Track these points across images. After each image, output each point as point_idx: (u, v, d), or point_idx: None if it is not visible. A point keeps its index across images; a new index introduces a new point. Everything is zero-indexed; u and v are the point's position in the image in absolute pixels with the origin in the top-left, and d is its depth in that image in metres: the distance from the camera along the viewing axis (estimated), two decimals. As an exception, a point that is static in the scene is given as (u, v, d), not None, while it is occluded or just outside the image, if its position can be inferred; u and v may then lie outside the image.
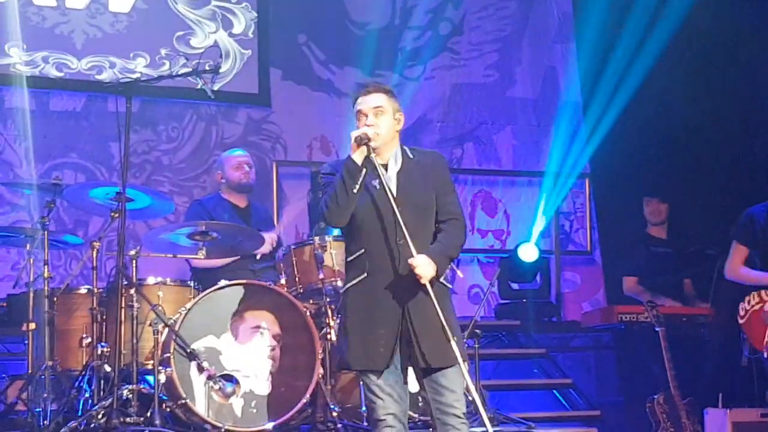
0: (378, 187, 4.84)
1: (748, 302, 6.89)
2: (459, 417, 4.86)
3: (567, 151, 9.45)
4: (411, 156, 4.98)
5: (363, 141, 4.79)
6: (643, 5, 8.75)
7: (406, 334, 4.81)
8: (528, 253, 8.92)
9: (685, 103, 8.71)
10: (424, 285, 4.75)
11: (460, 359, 4.77)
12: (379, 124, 4.85)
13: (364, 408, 6.27)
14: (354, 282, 4.87)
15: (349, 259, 4.91)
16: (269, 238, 6.96)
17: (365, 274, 4.84)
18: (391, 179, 4.87)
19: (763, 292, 6.82)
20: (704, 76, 8.64)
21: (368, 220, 4.84)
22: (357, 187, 4.76)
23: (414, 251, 4.74)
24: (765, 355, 6.77)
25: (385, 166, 4.88)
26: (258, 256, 6.89)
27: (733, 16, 8.40)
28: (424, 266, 4.74)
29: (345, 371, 6.18)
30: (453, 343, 4.77)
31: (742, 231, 6.90)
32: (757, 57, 8.41)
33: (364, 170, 4.77)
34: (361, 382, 4.96)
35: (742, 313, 6.93)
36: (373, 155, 4.80)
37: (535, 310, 8.80)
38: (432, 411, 4.93)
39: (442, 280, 4.88)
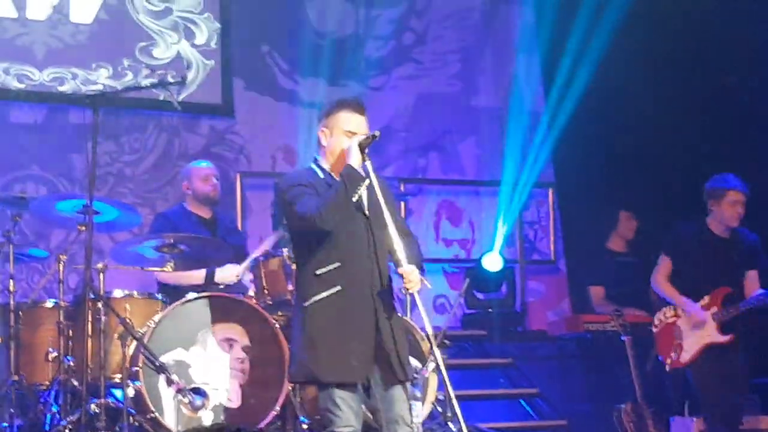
0: (359, 201, 4.87)
1: (664, 314, 7.16)
2: (408, 426, 4.90)
3: (528, 161, 9.47)
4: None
5: (368, 143, 4.84)
6: (607, 16, 8.80)
7: (379, 347, 4.83)
8: (492, 262, 8.93)
9: (649, 112, 8.76)
10: (409, 295, 4.88)
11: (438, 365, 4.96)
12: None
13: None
14: (325, 295, 4.83)
15: (319, 272, 4.85)
16: (236, 270, 6.84)
17: (339, 287, 4.83)
18: (363, 195, 4.91)
19: (679, 308, 7.06)
20: (668, 87, 8.70)
21: (346, 234, 4.85)
22: (357, 195, 4.80)
23: (404, 262, 4.80)
24: (668, 368, 7.06)
25: None
26: (222, 286, 6.80)
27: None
28: (416, 275, 4.82)
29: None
30: (437, 351, 4.94)
31: (667, 244, 7.15)
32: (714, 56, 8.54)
33: (367, 180, 4.81)
34: (321, 394, 4.89)
35: (656, 322, 7.22)
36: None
37: (501, 320, 8.81)
38: (381, 421, 4.93)
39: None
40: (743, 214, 6.99)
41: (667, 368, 7.02)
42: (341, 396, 4.81)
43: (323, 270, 4.85)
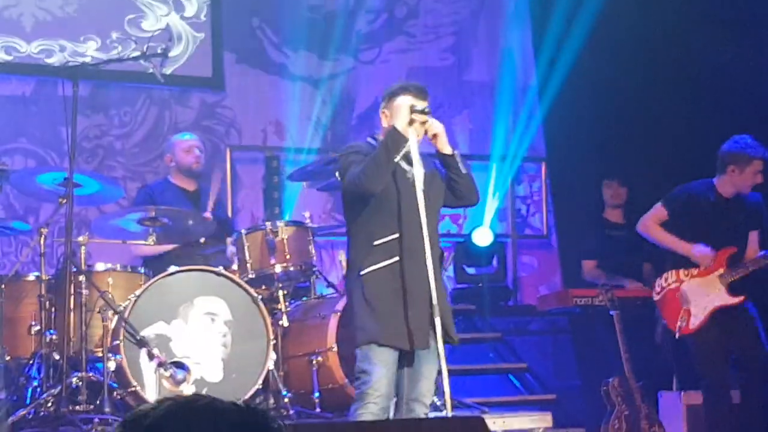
0: (411, 177, 5.06)
1: (665, 279, 6.95)
2: (426, 406, 5.05)
3: (520, 135, 9.42)
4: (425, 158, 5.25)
5: (421, 115, 5.05)
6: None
7: (432, 316, 4.96)
8: (482, 237, 8.89)
9: (640, 86, 8.70)
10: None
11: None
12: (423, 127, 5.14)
13: (317, 394, 6.26)
14: (384, 264, 5.01)
15: (377, 242, 5.04)
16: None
17: (398, 258, 5.00)
18: (421, 173, 5.12)
19: (681, 272, 6.88)
20: (661, 59, 8.64)
21: (406, 207, 5.01)
22: (398, 156, 4.99)
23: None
24: (677, 335, 6.84)
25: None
26: (202, 240, 6.80)
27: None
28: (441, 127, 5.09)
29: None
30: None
31: (671, 197, 6.96)
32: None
33: (408, 142, 5.00)
34: (360, 354, 5.06)
35: (657, 289, 6.99)
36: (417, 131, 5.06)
37: (491, 295, 8.78)
38: (401, 393, 5.09)
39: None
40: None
41: (677, 336, 6.81)
42: (383, 360, 4.95)
43: (381, 240, 5.04)
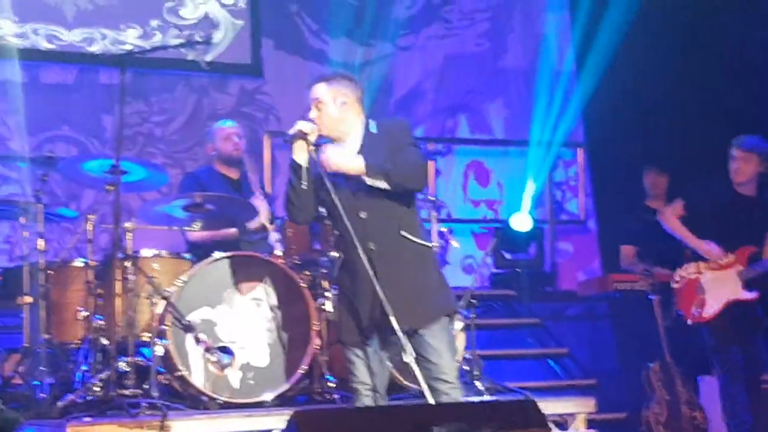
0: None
1: (686, 270, 7.08)
2: (448, 382, 4.97)
3: (557, 120, 9.42)
4: (375, 131, 5.07)
5: (296, 138, 4.98)
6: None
7: (382, 303, 4.88)
8: (522, 222, 8.91)
9: (680, 70, 8.69)
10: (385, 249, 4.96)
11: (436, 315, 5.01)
12: (321, 116, 5.01)
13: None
14: (339, 263, 5.13)
15: (334, 243, 5.26)
16: (260, 205, 6.91)
17: (343, 254, 5.07)
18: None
19: (701, 264, 7.00)
20: (701, 41, 8.62)
21: (340, 203, 4.92)
22: (304, 183, 4.98)
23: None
24: (690, 321, 6.96)
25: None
26: (253, 226, 6.85)
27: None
28: (335, 153, 4.92)
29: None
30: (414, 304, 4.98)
31: (688, 193, 7.13)
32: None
33: (306, 167, 4.96)
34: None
35: (677, 278, 7.12)
36: (312, 146, 4.96)
37: (530, 280, 8.80)
38: (424, 377, 5.03)
39: (418, 240, 5.03)
40: (747, 172, 6.90)
41: (689, 322, 6.93)
42: (357, 354, 5.04)
43: (335, 239, 5.19)
